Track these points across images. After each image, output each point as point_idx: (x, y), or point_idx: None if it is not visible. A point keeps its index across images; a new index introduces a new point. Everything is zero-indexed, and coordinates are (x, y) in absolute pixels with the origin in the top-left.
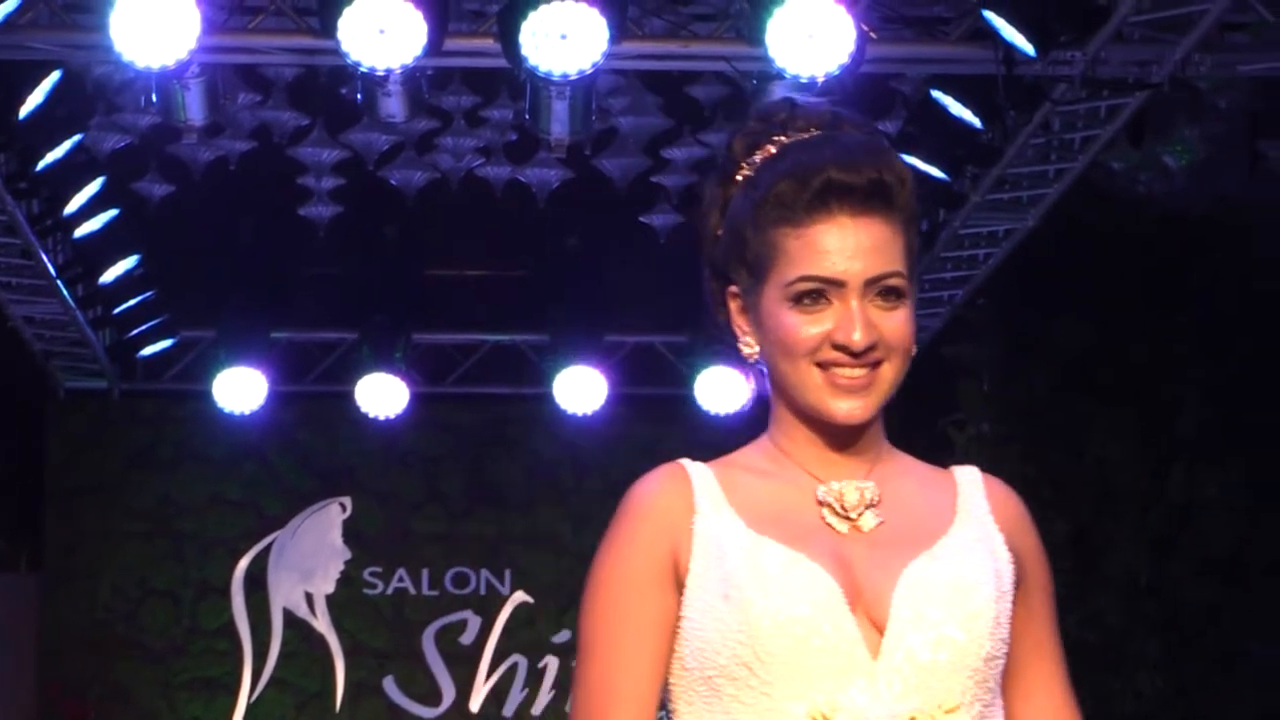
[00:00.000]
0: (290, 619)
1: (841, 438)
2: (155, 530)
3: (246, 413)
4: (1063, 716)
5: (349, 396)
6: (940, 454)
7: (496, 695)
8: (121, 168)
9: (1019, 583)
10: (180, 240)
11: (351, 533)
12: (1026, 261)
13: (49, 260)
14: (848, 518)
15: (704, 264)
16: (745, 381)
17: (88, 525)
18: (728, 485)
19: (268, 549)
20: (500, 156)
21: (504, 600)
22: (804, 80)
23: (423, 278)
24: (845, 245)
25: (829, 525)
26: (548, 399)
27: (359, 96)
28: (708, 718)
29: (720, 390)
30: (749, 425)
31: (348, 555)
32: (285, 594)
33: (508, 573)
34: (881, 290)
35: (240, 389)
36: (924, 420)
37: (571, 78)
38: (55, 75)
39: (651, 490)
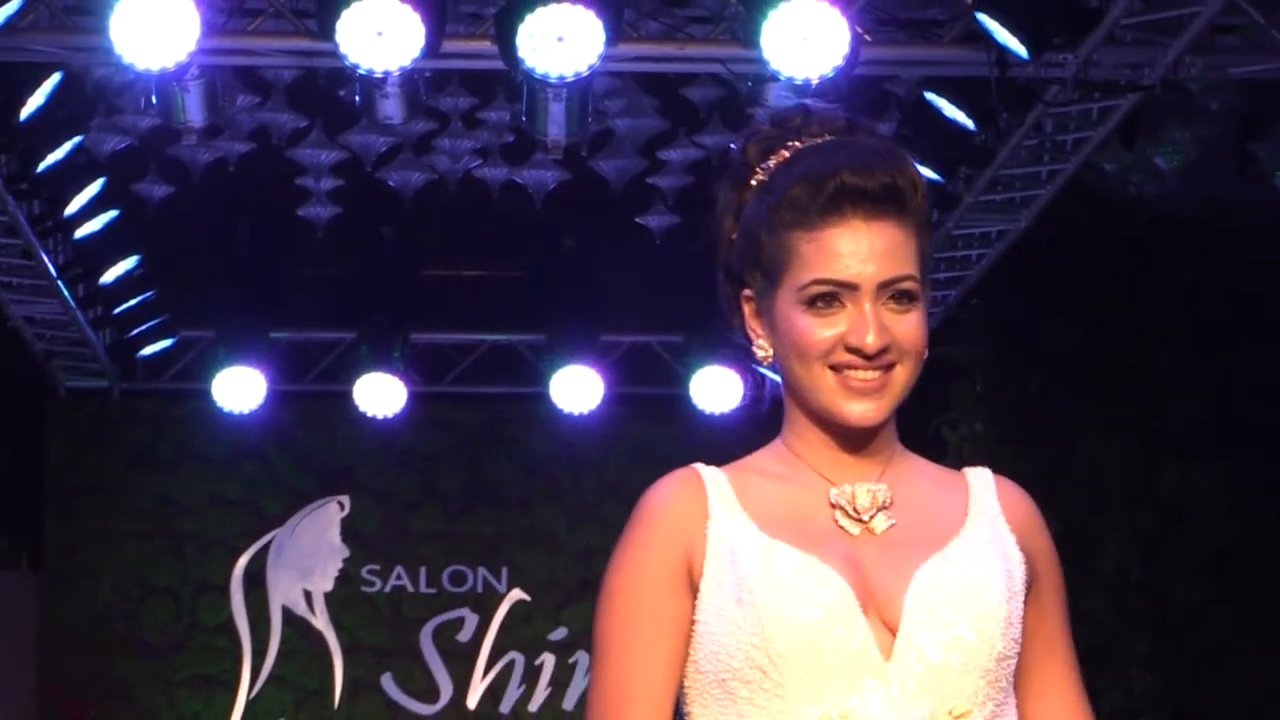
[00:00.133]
0: (289, 616)
1: (854, 440)
2: (155, 528)
3: (246, 412)
4: (1075, 716)
5: (347, 396)
6: (933, 453)
7: (493, 692)
8: (121, 169)
9: (1031, 583)
10: (180, 241)
11: (350, 531)
12: (1019, 262)
13: (49, 260)
14: (860, 520)
15: (718, 268)
16: (740, 381)
17: (88, 523)
18: (741, 489)
19: (267, 547)
20: (497, 158)
21: (501, 598)
22: (798, 82)
23: (420, 278)
24: (859, 249)
25: (841, 528)
26: (544, 398)
27: (357, 98)
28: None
29: (715, 390)
30: (744, 425)
31: (346, 553)
32: (284, 592)
33: (505, 571)
34: (894, 293)
35: (239, 388)
36: (917, 419)
37: (568, 80)
38: (56, 77)
39: (665, 495)
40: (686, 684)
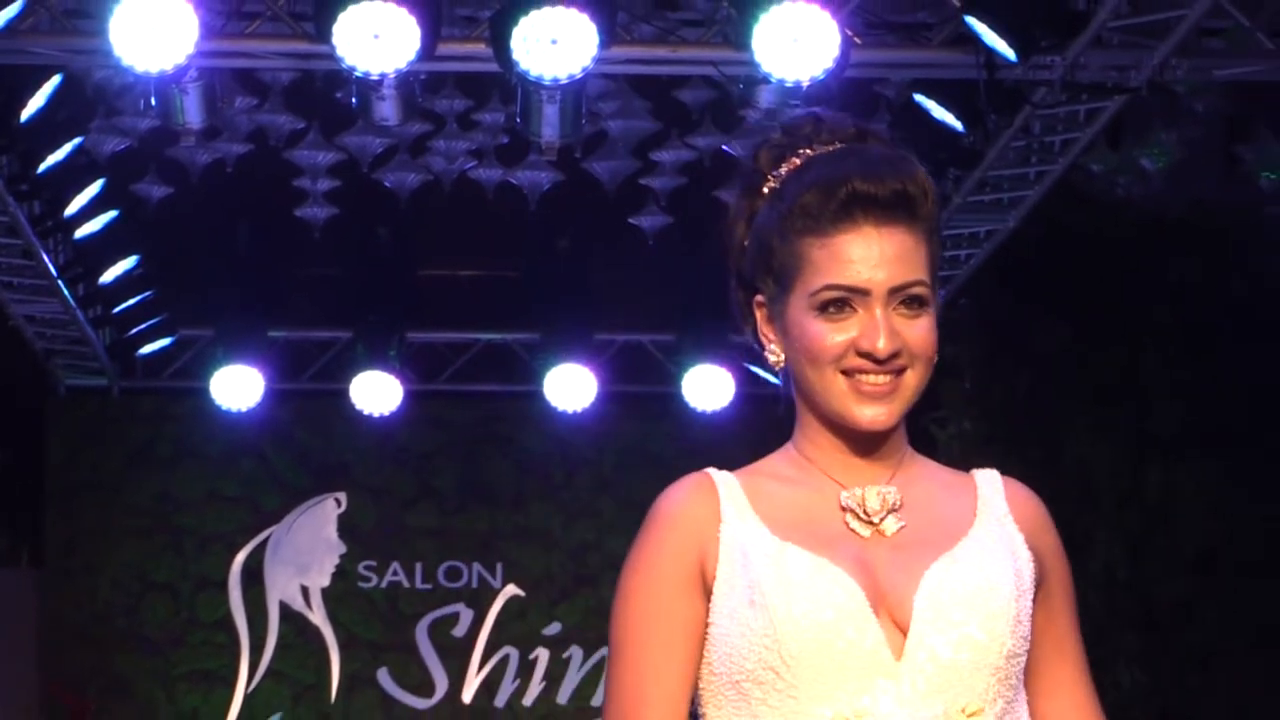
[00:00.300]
0: (286, 612)
1: (865, 444)
2: (154, 525)
3: (244, 410)
4: (1085, 714)
5: (344, 394)
6: (922, 450)
7: (488, 686)
8: (121, 170)
9: (1040, 582)
10: (178, 241)
11: (346, 527)
12: (1007, 262)
13: (50, 260)
14: (870, 522)
15: (730, 274)
16: (731, 379)
17: (88, 520)
18: (752, 493)
19: (264, 543)
20: (492, 159)
21: (495, 593)
22: (789, 84)
23: (416, 278)
24: (869, 255)
25: (852, 530)
26: (538, 396)
27: (354, 100)
28: None
29: (707, 388)
30: (735, 422)
31: (343, 549)
32: (282, 587)
33: (499, 566)
34: (905, 299)
35: (237, 387)
36: (908, 417)
37: (562, 82)
38: (56, 79)
39: (679, 499)
40: (701, 686)
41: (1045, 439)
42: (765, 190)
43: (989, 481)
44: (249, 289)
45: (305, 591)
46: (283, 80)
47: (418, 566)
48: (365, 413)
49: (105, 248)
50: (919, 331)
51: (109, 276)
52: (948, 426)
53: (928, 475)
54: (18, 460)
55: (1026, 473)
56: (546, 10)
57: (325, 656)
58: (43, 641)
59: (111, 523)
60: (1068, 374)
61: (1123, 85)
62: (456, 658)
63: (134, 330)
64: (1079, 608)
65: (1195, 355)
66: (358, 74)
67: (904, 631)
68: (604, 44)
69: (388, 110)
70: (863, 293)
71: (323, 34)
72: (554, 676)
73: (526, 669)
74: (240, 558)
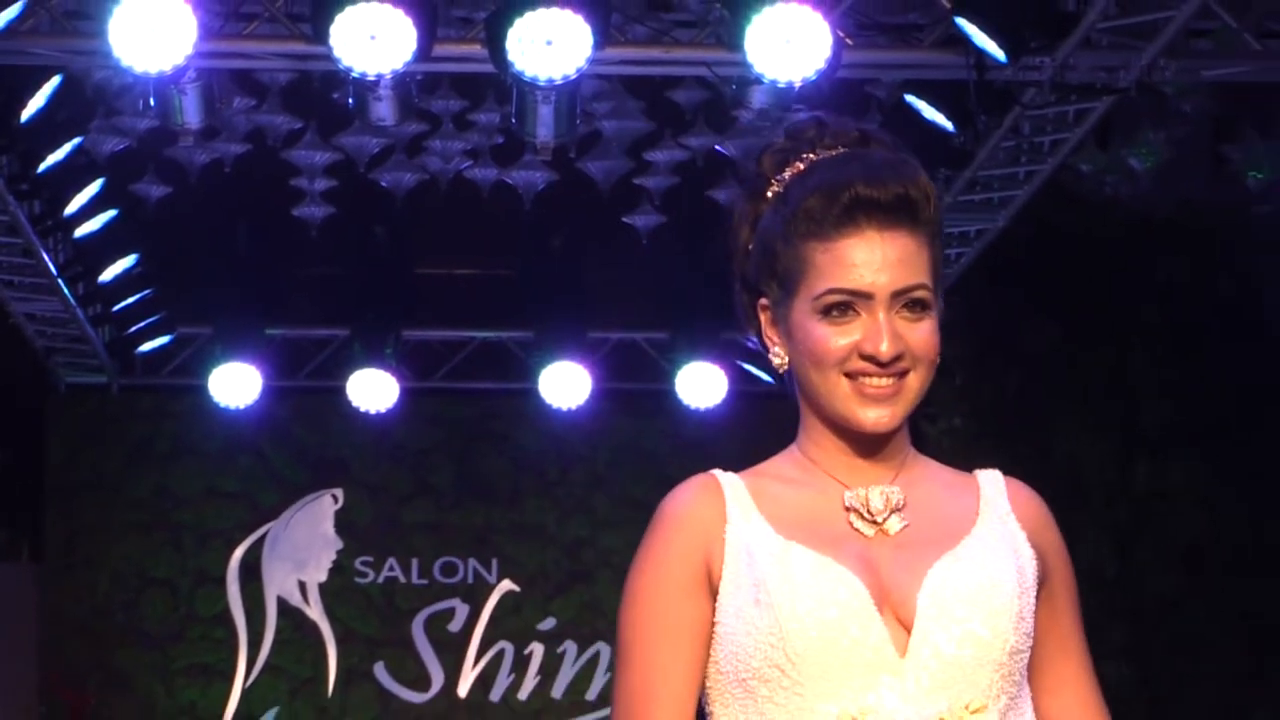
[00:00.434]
0: (284, 607)
1: (868, 445)
2: (153, 521)
3: (241, 407)
4: (1089, 711)
5: (341, 391)
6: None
7: (483, 681)
8: (120, 170)
9: (1043, 580)
10: (177, 240)
11: (343, 523)
12: (997, 261)
13: (50, 259)
14: (874, 522)
15: (735, 277)
16: (724, 376)
17: (88, 516)
18: (757, 493)
19: (262, 539)
20: (487, 159)
21: (491, 589)
22: (781, 85)
23: (412, 276)
24: (872, 259)
25: (856, 530)
26: (533, 394)
27: (350, 101)
28: (742, 719)
29: (700, 385)
30: (727, 419)
31: (340, 545)
32: (279, 583)
33: (495, 562)
34: (908, 302)
35: (235, 384)
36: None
37: (556, 82)
38: (56, 80)
39: (685, 501)
40: (708, 684)
41: (1035, 436)
42: (769, 194)
43: (991, 481)
44: (247, 287)
45: (303, 587)
46: (280, 81)
47: (414, 562)
48: (362, 410)
49: (105, 246)
50: (921, 334)
51: (108, 275)
52: (938, 422)
53: (930, 476)
54: (18, 457)
55: (1016, 469)
56: (541, 11)
57: (322, 651)
58: (43, 636)
59: (111, 518)
60: (1057, 373)
61: (1111, 86)
62: (452, 652)
63: (133, 328)
64: None
65: (1183, 354)
66: (354, 75)
67: (908, 629)
68: (598, 45)
69: (384, 110)
70: (865, 296)
71: (320, 35)
72: (548, 671)
73: (521, 663)
74: (238, 553)
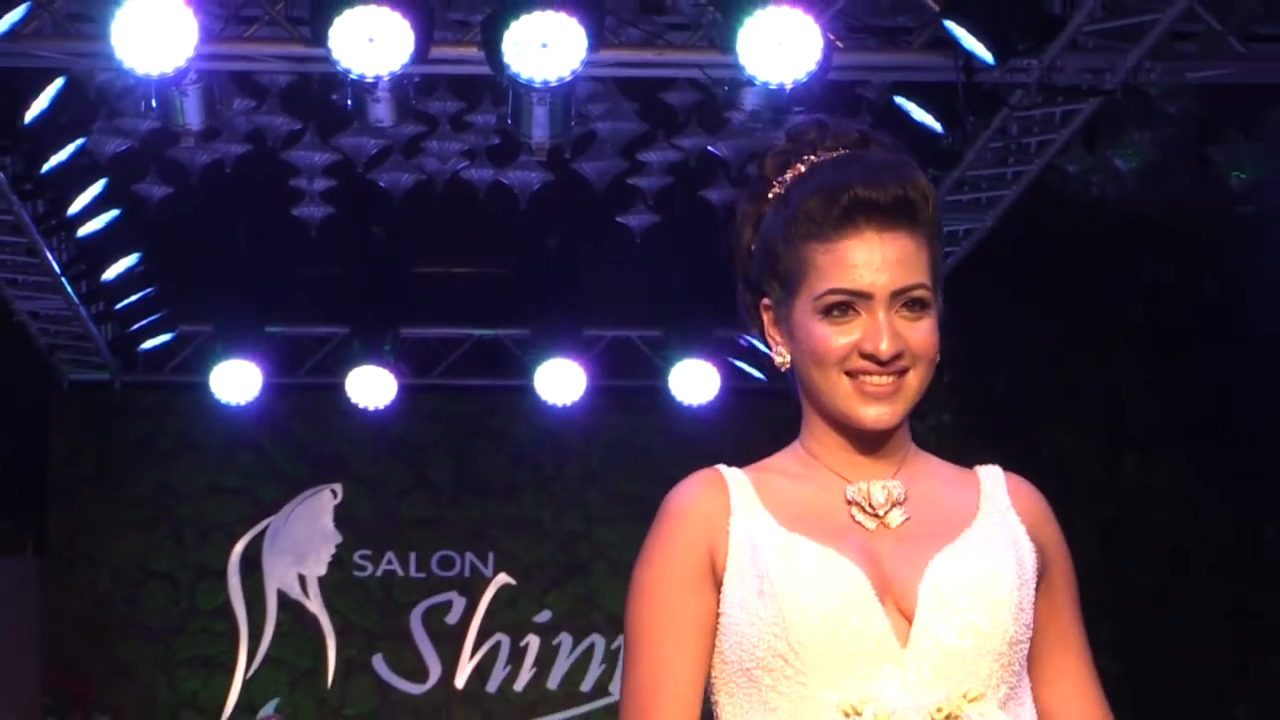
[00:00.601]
0: (284, 600)
1: (869, 442)
2: (155, 516)
3: (242, 404)
4: (1089, 703)
5: (340, 388)
6: None
7: (480, 672)
8: (122, 170)
9: (1043, 573)
10: (179, 239)
11: (342, 518)
12: (985, 260)
13: (53, 258)
14: (875, 515)
15: (737, 278)
16: (717, 374)
17: (90, 511)
18: (761, 488)
19: (263, 533)
20: (484, 159)
21: (488, 582)
22: (773, 87)
23: (410, 275)
24: (872, 259)
25: (858, 523)
26: (529, 390)
27: (349, 102)
28: (747, 708)
29: (693, 382)
30: (720, 415)
31: (339, 539)
32: (279, 576)
33: (491, 556)
34: (907, 301)
35: (236, 381)
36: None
37: (552, 84)
38: (59, 82)
39: (690, 495)
40: (714, 674)
41: (1022, 434)
42: (771, 196)
43: (991, 476)
44: (247, 286)
45: (302, 580)
46: (280, 83)
47: (412, 556)
48: (361, 406)
49: (107, 246)
50: (921, 333)
51: (111, 274)
52: (927, 419)
53: (931, 471)
54: (22, 453)
55: (1004, 465)
56: (537, 14)
57: (322, 643)
58: (46, 630)
59: (113, 514)
60: (1044, 370)
61: (1097, 88)
62: (449, 644)
63: (135, 326)
64: None
65: (1168, 354)
66: (353, 76)
67: (909, 619)
68: (592, 47)
69: (382, 112)
70: (865, 296)
71: (319, 37)
72: (544, 662)
73: (517, 655)
74: (239, 547)
